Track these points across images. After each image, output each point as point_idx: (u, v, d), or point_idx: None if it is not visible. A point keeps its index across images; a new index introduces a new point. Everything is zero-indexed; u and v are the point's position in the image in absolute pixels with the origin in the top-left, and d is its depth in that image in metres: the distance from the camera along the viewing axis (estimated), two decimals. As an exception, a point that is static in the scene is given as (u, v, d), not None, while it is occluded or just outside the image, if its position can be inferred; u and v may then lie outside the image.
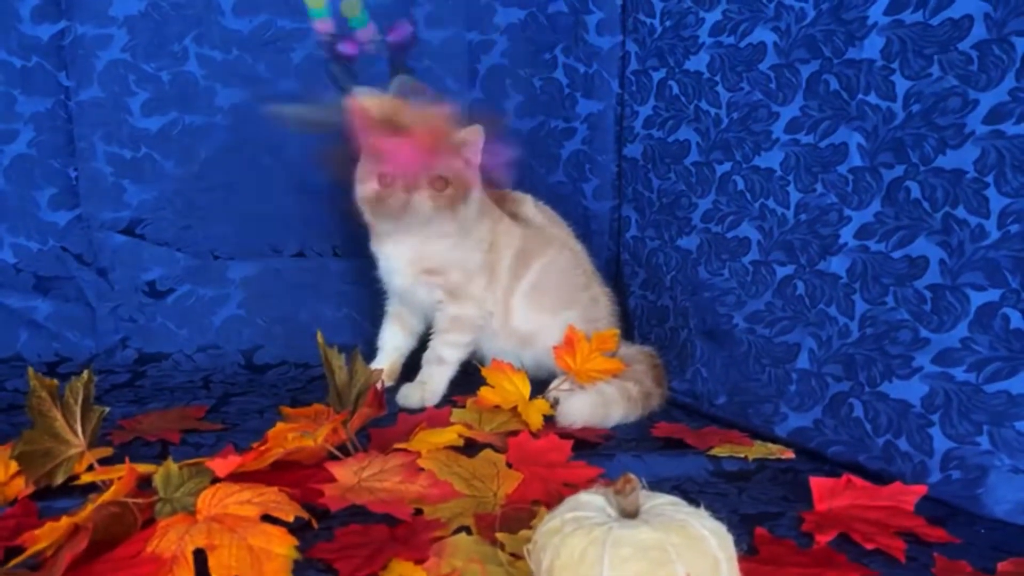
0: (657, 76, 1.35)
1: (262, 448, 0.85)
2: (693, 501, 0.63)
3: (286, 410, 1.09)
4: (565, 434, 1.00)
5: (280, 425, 0.89)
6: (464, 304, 1.24)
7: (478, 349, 1.30)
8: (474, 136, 1.18)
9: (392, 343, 1.34)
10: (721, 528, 0.61)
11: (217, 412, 1.19)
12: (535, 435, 0.99)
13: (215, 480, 0.80)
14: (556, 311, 1.27)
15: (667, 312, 1.33)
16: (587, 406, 1.11)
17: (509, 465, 0.90)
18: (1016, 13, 0.85)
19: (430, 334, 1.28)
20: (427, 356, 1.26)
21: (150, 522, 0.74)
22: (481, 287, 1.25)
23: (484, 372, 1.14)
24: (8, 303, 1.41)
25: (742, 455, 0.99)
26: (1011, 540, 0.79)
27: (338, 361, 0.99)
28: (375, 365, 1.31)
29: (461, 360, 1.26)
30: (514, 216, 1.32)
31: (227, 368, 1.43)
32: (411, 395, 1.21)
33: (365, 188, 1.18)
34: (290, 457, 0.88)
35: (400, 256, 1.24)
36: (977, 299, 0.87)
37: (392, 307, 1.34)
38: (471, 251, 1.24)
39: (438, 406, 1.16)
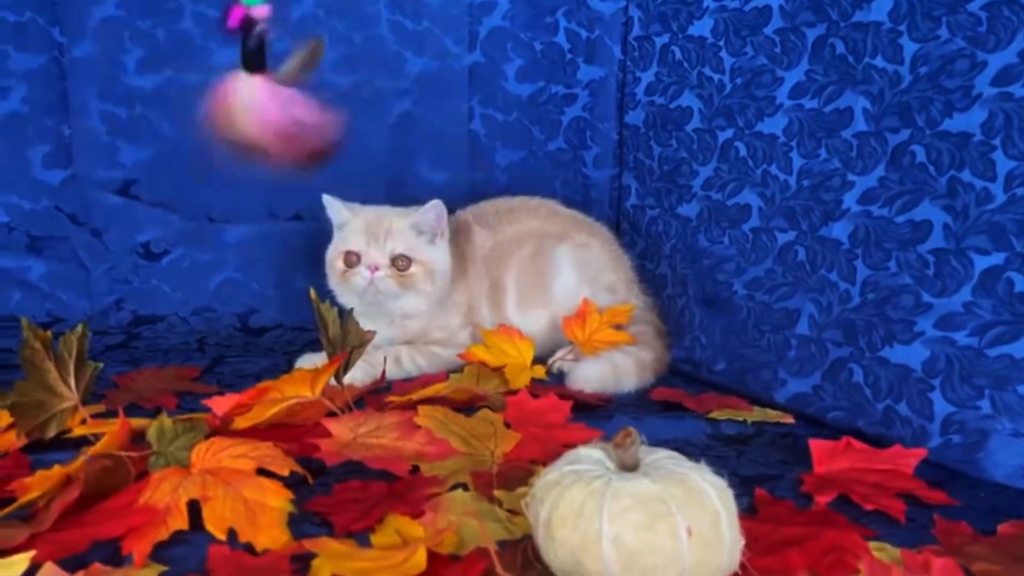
0: (660, 41, 1.33)
1: (261, 386, 0.84)
2: (692, 460, 0.63)
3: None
4: (565, 395, 0.99)
5: (275, 380, 0.88)
6: (446, 347, 1.21)
7: None
8: (436, 209, 1.16)
9: None
10: (722, 483, 0.60)
11: (212, 372, 1.18)
12: (535, 395, 0.98)
13: (210, 435, 0.79)
14: (547, 295, 1.26)
15: (665, 280, 1.32)
16: (597, 375, 1.11)
17: (507, 425, 0.90)
18: (1027, -27, 0.84)
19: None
20: (389, 350, 1.17)
21: (144, 475, 0.73)
22: (467, 335, 1.23)
23: (483, 333, 1.14)
24: (1, 263, 1.39)
25: (741, 419, 0.99)
26: (1011, 503, 0.79)
27: (331, 315, 0.97)
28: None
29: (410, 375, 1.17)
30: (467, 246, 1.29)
31: (222, 331, 1.42)
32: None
33: (333, 268, 1.18)
34: (287, 419, 0.87)
35: (380, 334, 1.19)
36: (981, 263, 0.86)
37: None
38: (451, 316, 1.23)
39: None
